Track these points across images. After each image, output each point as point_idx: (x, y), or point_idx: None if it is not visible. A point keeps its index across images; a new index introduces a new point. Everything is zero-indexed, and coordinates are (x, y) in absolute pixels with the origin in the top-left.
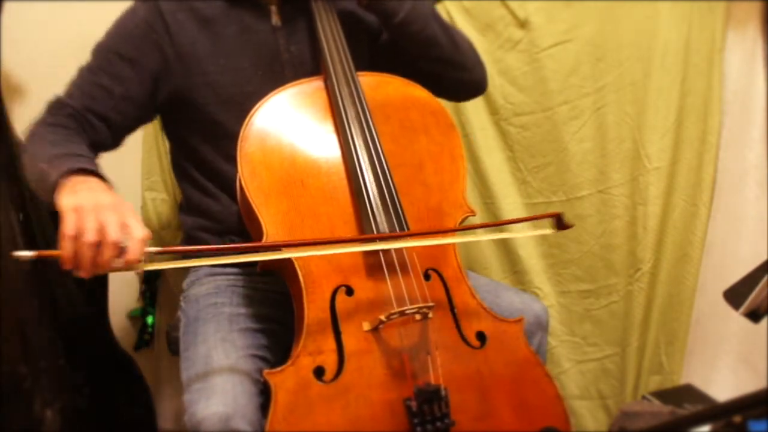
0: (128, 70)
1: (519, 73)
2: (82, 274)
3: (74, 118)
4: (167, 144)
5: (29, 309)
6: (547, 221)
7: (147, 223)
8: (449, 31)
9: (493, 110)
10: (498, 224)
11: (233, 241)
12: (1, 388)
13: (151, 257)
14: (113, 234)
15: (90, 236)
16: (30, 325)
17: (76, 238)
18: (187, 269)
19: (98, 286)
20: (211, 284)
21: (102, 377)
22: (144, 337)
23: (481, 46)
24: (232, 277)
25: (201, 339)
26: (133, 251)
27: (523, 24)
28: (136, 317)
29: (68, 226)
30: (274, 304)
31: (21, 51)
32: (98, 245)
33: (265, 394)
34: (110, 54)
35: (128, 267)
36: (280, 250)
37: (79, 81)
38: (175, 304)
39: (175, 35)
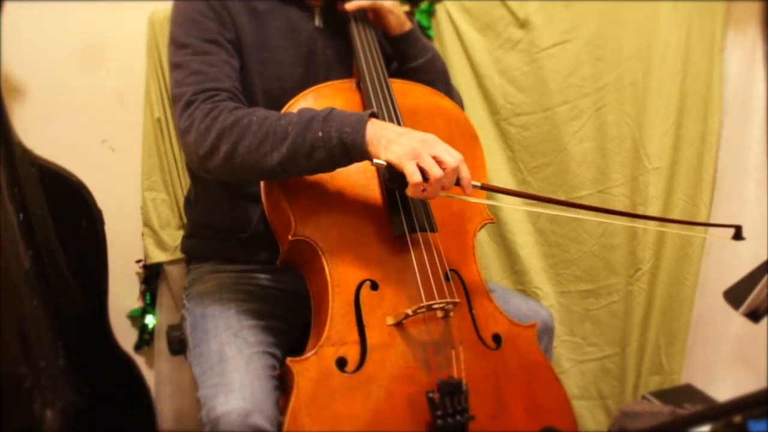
0: (230, 46)
1: (519, 73)
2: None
3: (233, 99)
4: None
5: (29, 309)
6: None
7: (147, 222)
8: (450, 92)
9: (493, 110)
10: (677, 222)
11: (240, 239)
12: (1, 388)
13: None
14: (452, 162)
15: (436, 172)
16: (30, 325)
17: (424, 179)
18: (188, 267)
19: (98, 285)
20: (213, 282)
21: (102, 377)
22: (144, 337)
23: (481, 46)
24: (234, 274)
25: (212, 335)
26: (465, 170)
27: (523, 24)
28: (136, 317)
29: (413, 173)
30: (277, 302)
31: (21, 51)
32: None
33: (278, 390)
34: (209, 33)
35: (467, 189)
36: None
37: (201, 65)
38: (175, 304)
39: (234, 18)
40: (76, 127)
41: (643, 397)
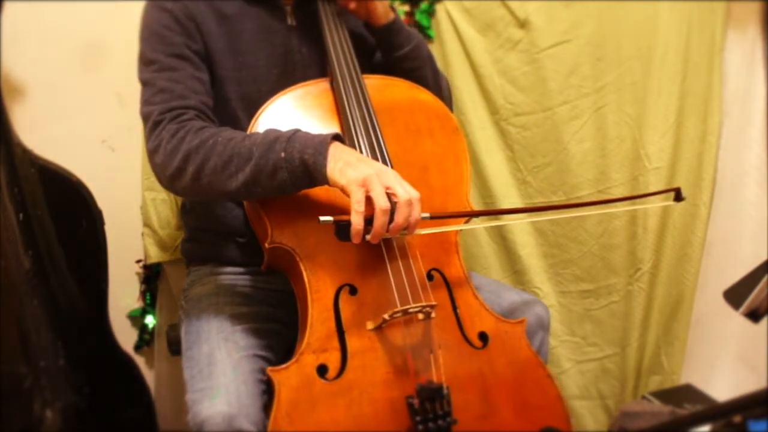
0: (197, 58)
1: (519, 73)
2: (373, 240)
3: (200, 117)
4: None
5: (29, 309)
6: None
7: (147, 222)
8: (437, 77)
9: (493, 110)
10: (618, 200)
11: (238, 243)
12: (0, 388)
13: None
14: (404, 195)
15: (382, 203)
16: (30, 325)
17: (370, 208)
18: (188, 269)
19: (98, 285)
20: (212, 284)
21: (102, 377)
22: (144, 338)
23: (481, 46)
24: (233, 276)
25: (204, 338)
26: (417, 210)
27: (523, 24)
28: (136, 317)
29: (358, 201)
30: (276, 303)
31: (21, 51)
32: (391, 211)
33: (267, 394)
34: (175, 47)
35: (411, 230)
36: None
37: (167, 82)
38: (175, 305)
39: (201, 26)
40: (76, 127)
41: (643, 397)
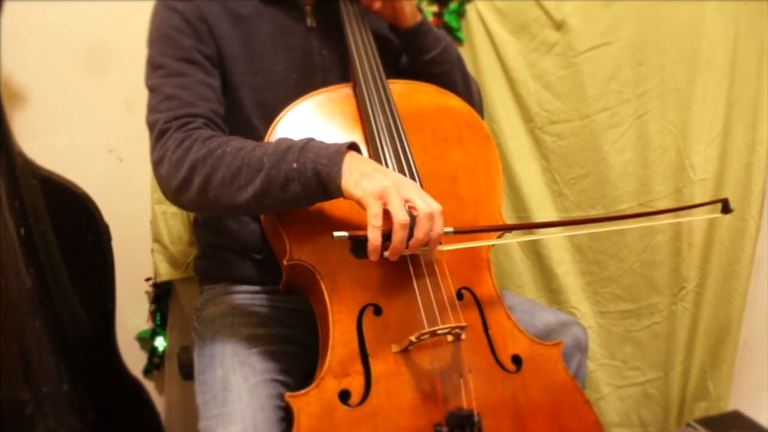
0: (208, 63)
1: (555, 78)
2: (391, 256)
3: (208, 126)
4: None
5: (31, 330)
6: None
7: (157, 238)
8: (468, 81)
9: (528, 118)
10: (661, 212)
11: (255, 260)
12: (1, 415)
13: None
14: (425, 208)
15: (401, 217)
16: (32, 347)
17: (388, 222)
18: (201, 288)
19: (105, 305)
20: (226, 303)
21: (109, 403)
22: (154, 361)
23: (515, 49)
24: (249, 295)
25: (218, 362)
26: (439, 224)
27: (559, 25)
28: (146, 339)
29: (375, 215)
30: (294, 324)
31: (22, 54)
32: (411, 225)
33: (286, 421)
34: (184, 51)
35: (432, 245)
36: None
37: (175, 89)
38: (187, 325)
39: (213, 28)
40: (80, 135)
41: (688, 425)
